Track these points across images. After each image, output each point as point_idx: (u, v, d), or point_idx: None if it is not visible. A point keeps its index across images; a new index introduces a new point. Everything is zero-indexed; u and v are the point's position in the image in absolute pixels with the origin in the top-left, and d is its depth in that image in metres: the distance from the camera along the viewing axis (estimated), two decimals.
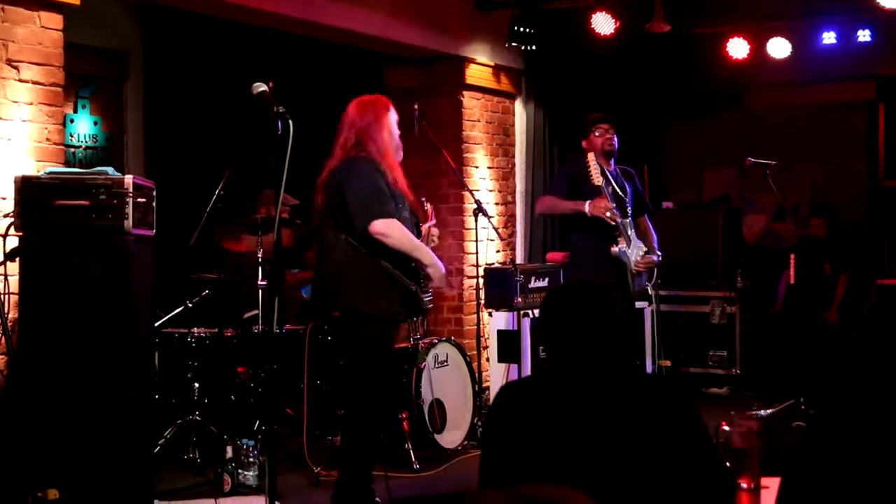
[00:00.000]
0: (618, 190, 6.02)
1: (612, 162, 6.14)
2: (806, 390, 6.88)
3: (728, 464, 2.52)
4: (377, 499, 4.57)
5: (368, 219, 4.30)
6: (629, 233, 5.98)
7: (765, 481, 2.55)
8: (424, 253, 4.52)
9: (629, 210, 6.06)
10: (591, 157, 5.81)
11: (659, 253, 6.18)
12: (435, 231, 4.90)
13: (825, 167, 9.43)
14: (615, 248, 5.89)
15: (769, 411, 6.67)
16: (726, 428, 2.60)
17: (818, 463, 2.21)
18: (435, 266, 4.54)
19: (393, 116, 4.58)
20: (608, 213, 5.80)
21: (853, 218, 9.08)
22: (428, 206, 5.30)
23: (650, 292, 6.41)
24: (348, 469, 4.45)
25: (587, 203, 5.83)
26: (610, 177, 6.02)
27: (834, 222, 8.38)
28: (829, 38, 8.13)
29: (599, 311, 2.58)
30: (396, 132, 4.60)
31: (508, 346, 6.64)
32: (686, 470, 2.45)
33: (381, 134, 4.49)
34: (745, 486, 2.51)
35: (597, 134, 6.06)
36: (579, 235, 6.06)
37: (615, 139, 6.09)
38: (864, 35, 8.03)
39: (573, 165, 6.11)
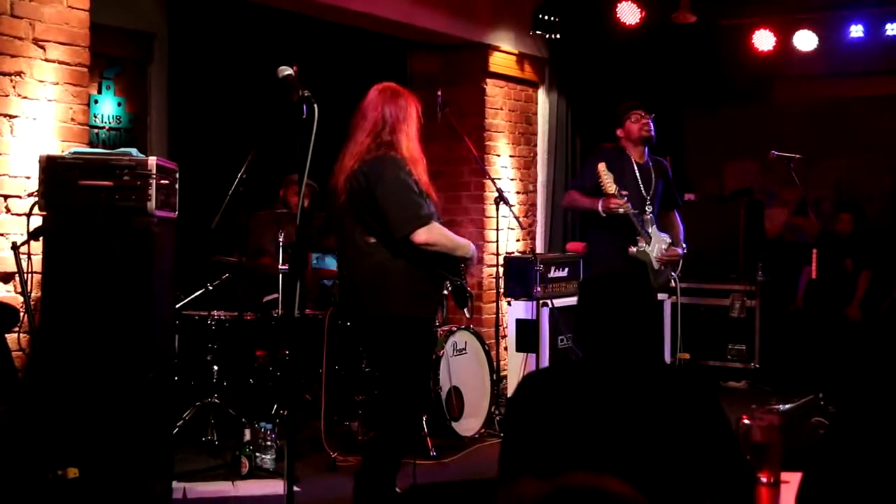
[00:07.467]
0: (642, 190, 5.93)
1: (646, 151, 6.05)
2: (825, 386, 6.84)
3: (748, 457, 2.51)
4: (397, 489, 4.55)
5: (410, 229, 4.16)
6: (649, 230, 5.91)
7: (784, 476, 2.53)
8: (464, 248, 4.40)
9: (648, 208, 5.96)
10: (601, 167, 5.69)
11: (684, 245, 6.12)
12: None
13: (850, 162, 9.36)
14: (633, 249, 5.83)
15: (788, 406, 6.64)
16: (747, 421, 2.59)
17: (842, 459, 2.20)
18: (473, 256, 4.47)
19: (417, 111, 4.41)
20: (621, 210, 5.73)
21: (876, 214, 9.01)
22: None
23: (673, 284, 6.34)
24: (379, 462, 4.33)
25: (600, 202, 5.75)
26: (637, 172, 5.93)
27: (862, 218, 8.31)
28: (856, 31, 8.06)
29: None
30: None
31: (527, 335, 6.62)
32: (707, 462, 2.44)
33: (412, 128, 4.32)
34: (764, 480, 2.50)
35: (633, 120, 5.96)
36: (598, 232, 5.99)
37: (652, 126, 5.97)
38: (892, 29, 7.96)
39: (602, 158, 5.89)
